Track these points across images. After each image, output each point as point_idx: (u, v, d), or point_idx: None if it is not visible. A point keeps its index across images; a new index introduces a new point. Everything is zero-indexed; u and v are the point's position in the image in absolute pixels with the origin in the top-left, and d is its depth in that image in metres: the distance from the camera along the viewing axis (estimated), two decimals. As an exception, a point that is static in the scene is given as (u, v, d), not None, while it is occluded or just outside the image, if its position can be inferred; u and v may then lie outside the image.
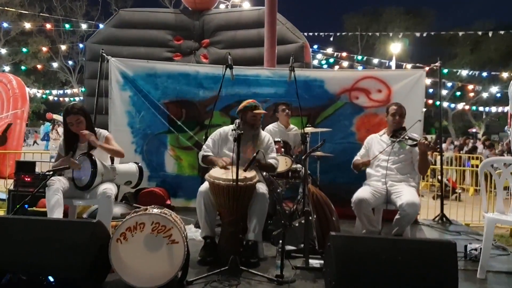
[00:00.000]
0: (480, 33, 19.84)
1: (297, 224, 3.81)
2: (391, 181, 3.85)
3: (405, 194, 3.66)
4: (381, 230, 3.81)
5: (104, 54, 5.58)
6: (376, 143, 4.13)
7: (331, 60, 18.93)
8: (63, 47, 23.23)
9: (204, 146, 3.95)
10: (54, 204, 3.32)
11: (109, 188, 3.50)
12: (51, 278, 2.71)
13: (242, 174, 3.36)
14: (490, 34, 17.75)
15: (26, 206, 4.25)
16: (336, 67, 19.15)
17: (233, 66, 4.61)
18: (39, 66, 23.65)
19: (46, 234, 2.73)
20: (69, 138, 3.75)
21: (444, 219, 5.61)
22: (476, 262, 3.51)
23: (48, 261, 2.67)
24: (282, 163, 4.38)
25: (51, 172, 3.36)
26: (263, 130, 4.88)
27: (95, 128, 3.84)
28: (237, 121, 3.55)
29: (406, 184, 3.86)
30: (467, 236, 4.78)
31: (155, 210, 2.94)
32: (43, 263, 2.68)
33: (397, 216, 3.63)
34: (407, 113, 4.17)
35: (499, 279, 3.34)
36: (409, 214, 3.53)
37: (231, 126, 3.88)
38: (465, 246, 3.89)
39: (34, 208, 4.54)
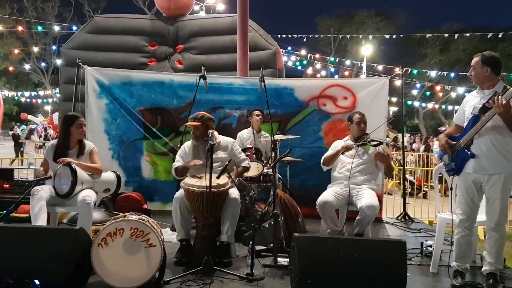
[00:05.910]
0: (446, 35, 20.57)
1: (266, 226, 4.09)
2: (353, 183, 4.14)
3: (365, 197, 3.97)
4: (343, 229, 4.11)
5: (80, 64, 5.70)
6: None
7: (305, 61, 19.25)
8: (36, 49, 22.83)
9: (173, 164, 4.19)
10: (38, 212, 3.48)
11: (88, 195, 3.68)
12: (37, 281, 2.88)
13: (215, 181, 3.60)
14: (456, 36, 18.48)
15: (5, 212, 4.36)
16: (310, 68, 19.54)
17: (207, 75, 4.82)
18: (10, 68, 23.22)
19: (32, 242, 2.88)
20: (62, 145, 3.93)
21: (406, 217, 5.98)
22: (431, 258, 3.84)
23: (33, 268, 2.83)
24: (254, 169, 4.66)
25: (34, 182, 3.52)
26: (235, 135, 5.17)
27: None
28: (210, 131, 3.79)
29: (367, 187, 4.16)
30: (427, 233, 5.16)
31: (134, 217, 3.16)
32: (28, 269, 2.83)
33: (358, 217, 3.94)
34: (372, 118, 4.51)
35: (450, 272, 3.67)
36: (368, 216, 3.84)
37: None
38: (421, 243, 4.25)
39: (14, 214, 4.65)
